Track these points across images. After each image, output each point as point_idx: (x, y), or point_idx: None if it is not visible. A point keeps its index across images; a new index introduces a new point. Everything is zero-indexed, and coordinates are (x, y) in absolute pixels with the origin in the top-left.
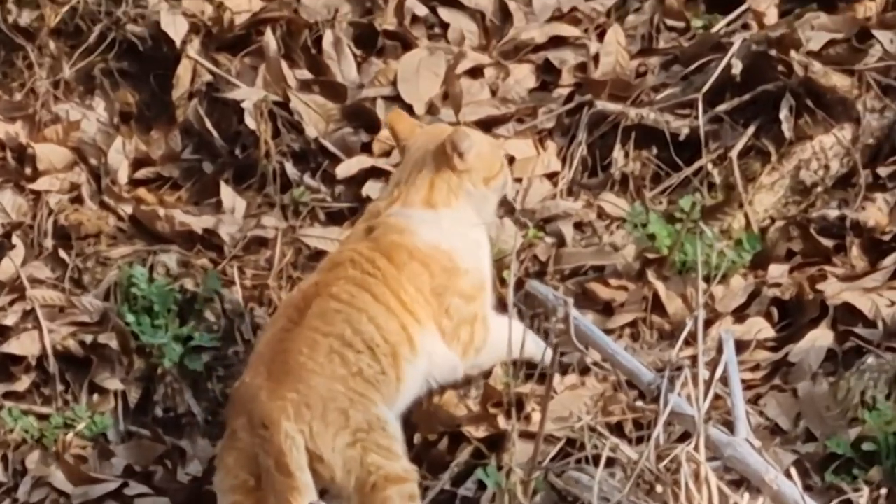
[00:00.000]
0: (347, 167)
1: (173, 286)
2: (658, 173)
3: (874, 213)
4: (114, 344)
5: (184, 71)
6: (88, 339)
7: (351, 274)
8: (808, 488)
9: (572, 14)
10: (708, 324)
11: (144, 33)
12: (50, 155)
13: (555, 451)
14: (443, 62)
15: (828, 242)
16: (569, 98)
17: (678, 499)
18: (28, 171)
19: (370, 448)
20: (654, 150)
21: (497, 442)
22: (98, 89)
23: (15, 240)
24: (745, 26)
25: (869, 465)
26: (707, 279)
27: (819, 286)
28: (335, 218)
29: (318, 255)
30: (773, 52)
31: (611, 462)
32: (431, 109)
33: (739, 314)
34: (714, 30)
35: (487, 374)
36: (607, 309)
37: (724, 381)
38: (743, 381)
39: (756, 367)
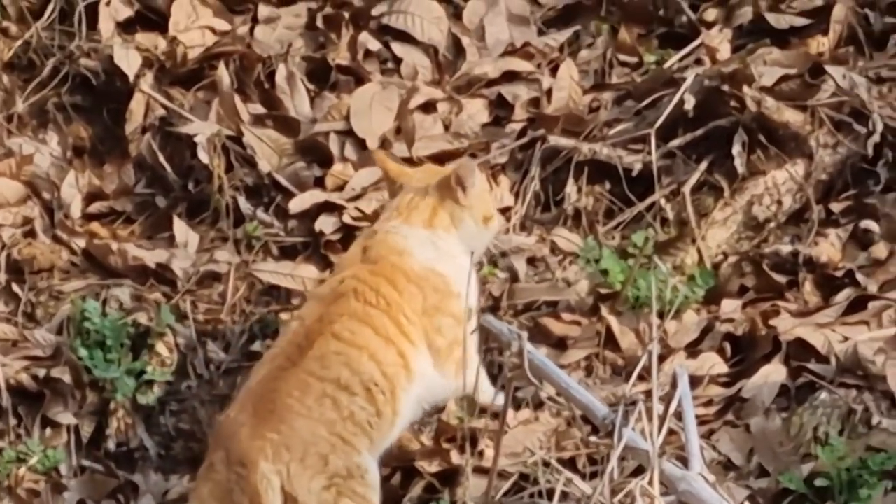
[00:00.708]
0: (301, 202)
1: (126, 320)
2: (611, 208)
3: (827, 249)
4: (67, 378)
5: (137, 105)
6: (41, 373)
7: (353, 307)
8: None
9: (525, 49)
10: (661, 359)
11: (98, 67)
12: (3, 189)
13: (508, 485)
14: (396, 97)
15: (780, 278)
16: (522, 133)
17: None
18: None
19: (345, 493)
20: (607, 186)
21: (450, 477)
22: (51, 123)
23: None
24: (698, 62)
25: (822, 501)
26: (660, 314)
27: (772, 322)
28: (288, 252)
29: (272, 289)
30: (725, 88)
31: (564, 497)
32: (384, 144)
33: (692, 349)
34: (667, 65)
35: (441, 409)
36: (561, 344)
37: (678, 415)
38: (696, 417)
39: (709, 403)
